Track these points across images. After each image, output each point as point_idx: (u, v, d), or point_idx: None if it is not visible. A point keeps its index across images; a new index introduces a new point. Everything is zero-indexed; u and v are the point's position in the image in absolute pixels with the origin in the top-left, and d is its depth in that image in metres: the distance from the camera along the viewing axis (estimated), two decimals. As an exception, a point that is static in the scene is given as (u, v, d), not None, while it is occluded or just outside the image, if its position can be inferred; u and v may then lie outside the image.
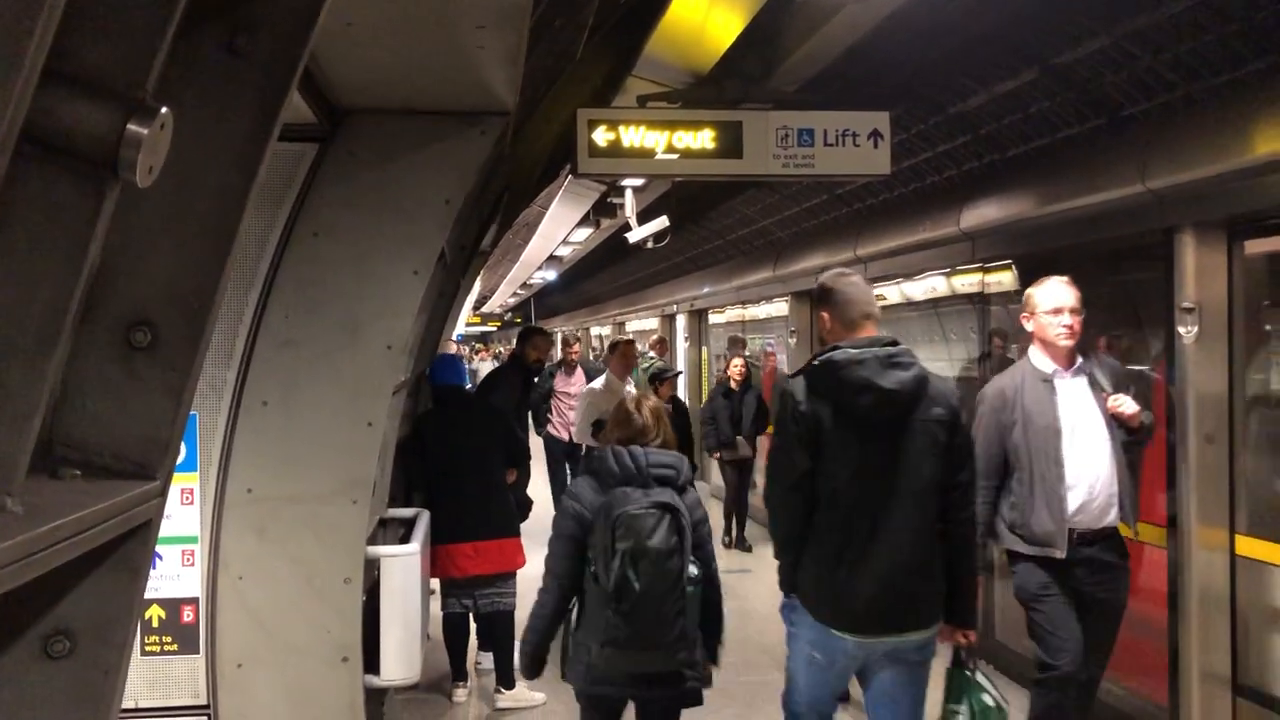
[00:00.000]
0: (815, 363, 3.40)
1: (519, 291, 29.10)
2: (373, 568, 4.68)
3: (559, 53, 5.05)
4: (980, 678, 3.67)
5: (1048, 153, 5.77)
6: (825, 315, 3.51)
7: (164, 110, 0.88)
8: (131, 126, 0.84)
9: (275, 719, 4.09)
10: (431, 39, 3.18)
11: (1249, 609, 4.60)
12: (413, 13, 2.93)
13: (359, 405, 4.05)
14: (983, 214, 6.17)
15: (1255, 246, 4.62)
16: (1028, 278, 6.43)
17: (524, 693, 5.95)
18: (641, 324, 19.24)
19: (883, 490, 3.27)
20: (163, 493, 1.20)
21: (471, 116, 3.98)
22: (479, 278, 14.82)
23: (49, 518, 0.95)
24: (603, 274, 20.20)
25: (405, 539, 5.14)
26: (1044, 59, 5.28)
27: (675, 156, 5.59)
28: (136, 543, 1.16)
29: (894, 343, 3.37)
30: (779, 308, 11.02)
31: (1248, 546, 4.57)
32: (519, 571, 5.97)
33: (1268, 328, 4.70)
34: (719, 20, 5.57)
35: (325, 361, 3.97)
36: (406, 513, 5.72)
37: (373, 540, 4.93)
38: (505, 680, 5.91)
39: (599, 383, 8.07)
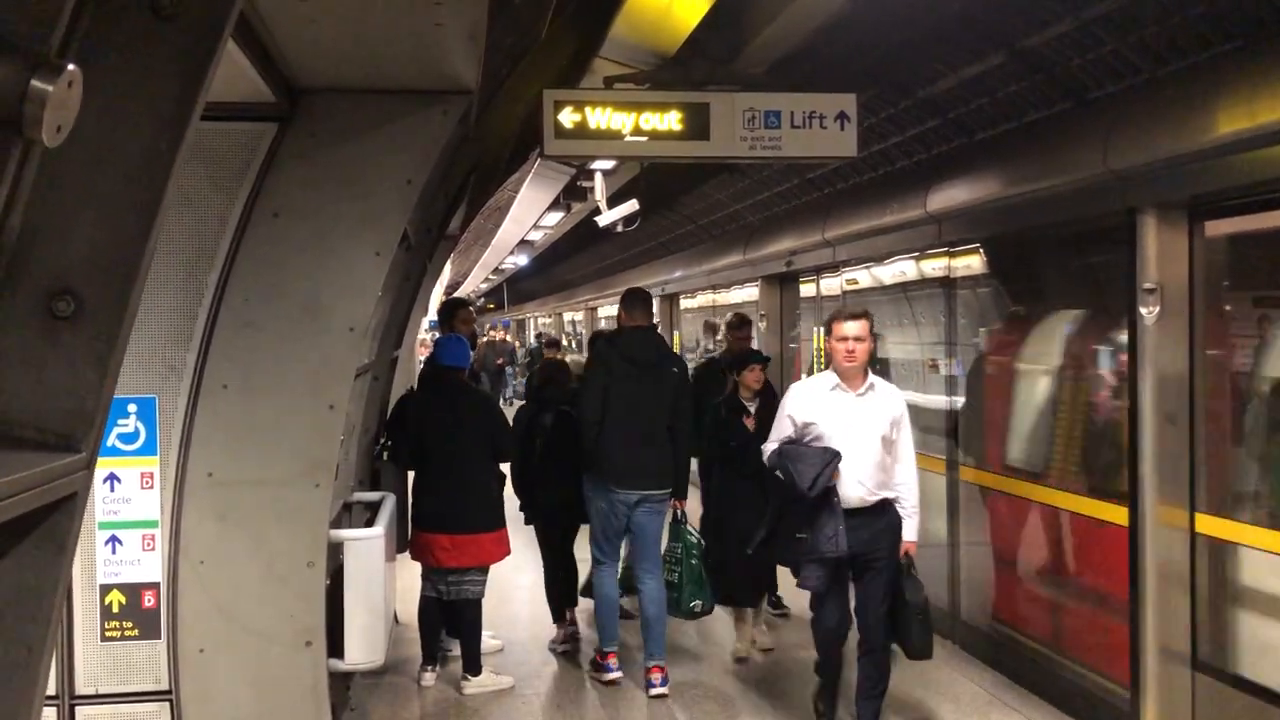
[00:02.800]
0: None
1: (491, 277, 28.98)
2: (336, 552, 4.66)
3: (523, 31, 5.00)
4: (687, 527, 6.12)
5: (1015, 135, 5.79)
6: None
7: (71, 67, 0.86)
8: (35, 83, 0.82)
9: (238, 704, 4.06)
10: (388, 16, 3.13)
11: (1208, 587, 4.66)
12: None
13: (321, 388, 4.01)
14: (950, 196, 6.19)
15: (1216, 227, 4.66)
16: (994, 260, 6.46)
17: (490, 678, 5.94)
18: (613, 309, 19.23)
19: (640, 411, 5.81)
20: (89, 465, 1.17)
21: (432, 95, 3.94)
22: (450, 262, 14.73)
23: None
24: (575, 259, 20.16)
25: (371, 522, 5.11)
26: (1012, 42, 5.29)
27: (643, 139, 5.56)
28: (61, 515, 1.13)
29: None
30: (750, 292, 11.03)
31: (1208, 525, 4.62)
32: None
33: (1229, 308, 4.74)
34: (685, 1, 5.54)
35: (286, 344, 3.93)
36: (372, 496, 5.69)
37: (337, 524, 4.90)
38: (471, 666, 5.90)
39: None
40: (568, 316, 25.29)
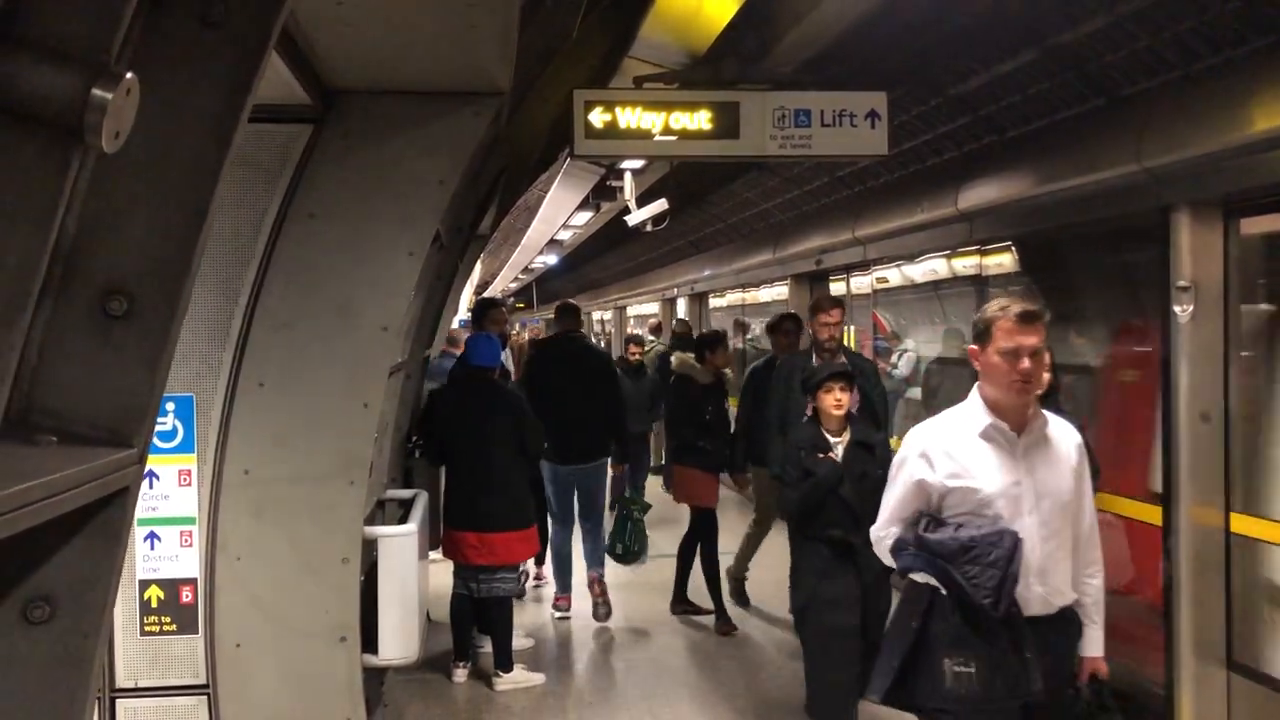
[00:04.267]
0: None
1: (520, 276, 29.08)
2: (370, 548, 4.71)
3: (554, 32, 5.04)
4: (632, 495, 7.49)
5: (1046, 133, 5.76)
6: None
7: (129, 75, 0.89)
8: (96, 91, 0.85)
9: (274, 698, 4.11)
10: (421, 18, 3.17)
11: (1244, 586, 4.62)
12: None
13: (355, 386, 4.06)
14: (980, 195, 6.16)
15: (1251, 225, 4.62)
16: (1026, 258, 6.43)
17: (522, 674, 5.99)
18: (642, 308, 19.24)
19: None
20: (140, 460, 1.21)
21: (465, 96, 3.98)
22: (479, 262, 14.81)
23: (19, 481, 0.96)
24: (604, 258, 20.20)
25: (404, 520, 5.16)
26: (1043, 39, 5.26)
27: (673, 138, 5.58)
28: (114, 509, 1.17)
29: None
30: (779, 291, 11.02)
31: (1243, 524, 4.58)
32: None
33: (1263, 306, 4.69)
34: (715, 0, 5.56)
35: (321, 343, 3.98)
36: (405, 493, 5.74)
37: (370, 521, 4.95)
38: (503, 663, 5.95)
39: None
40: (596, 315, 25.34)
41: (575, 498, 7.18)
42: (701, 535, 6.95)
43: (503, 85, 3.97)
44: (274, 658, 4.10)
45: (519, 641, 6.35)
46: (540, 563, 7.93)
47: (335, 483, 4.08)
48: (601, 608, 7.07)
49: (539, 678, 6.01)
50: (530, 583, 7.99)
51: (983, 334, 3.18)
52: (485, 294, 23.17)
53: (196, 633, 4.01)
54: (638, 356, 10.10)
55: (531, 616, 7.40)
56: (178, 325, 1.21)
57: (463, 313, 14.06)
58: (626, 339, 11.05)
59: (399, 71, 3.68)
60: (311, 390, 3.99)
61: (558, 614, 7.31)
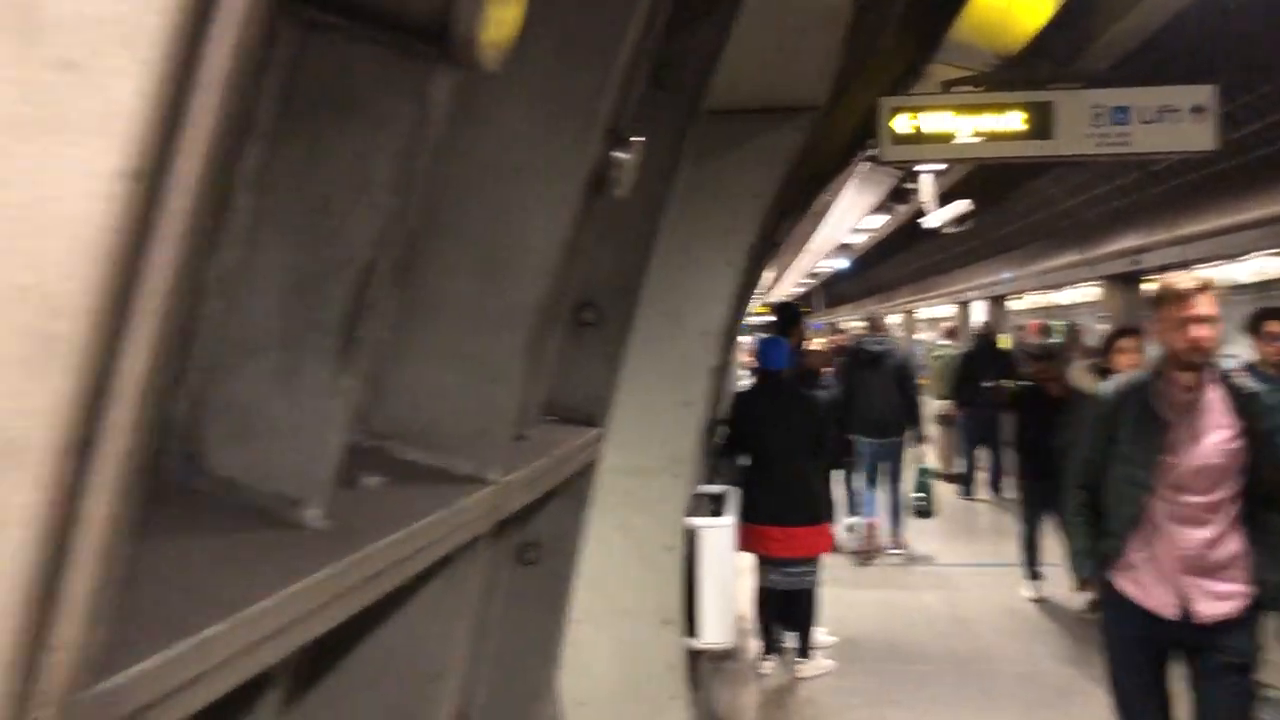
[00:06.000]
0: None
1: (804, 281, 29.12)
2: (688, 538, 5.02)
3: (865, 45, 5.17)
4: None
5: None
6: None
7: (638, 139, 1.16)
8: (616, 154, 1.12)
9: (607, 673, 4.48)
10: (753, 45, 3.41)
11: None
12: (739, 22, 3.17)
13: (679, 386, 4.38)
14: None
15: None
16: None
17: (821, 662, 6.18)
18: (932, 311, 18.83)
19: None
20: (602, 438, 1.49)
21: (784, 113, 4.19)
22: (767, 268, 15.05)
23: (541, 452, 1.25)
24: (892, 260, 19.93)
25: (715, 513, 5.45)
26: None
27: (980, 140, 5.57)
28: (585, 477, 1.46)
29: None
30: (1084, 293, 10.55)
31: None
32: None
33: None
34: (1027, 3, 5.50)
35: (651, 345, 4.30)
36: (714, 489, 6.05)
37: (688, 513, 5.27)
38: (806, 654, 6.16)
39: None
40: (884, 319, 24.95)
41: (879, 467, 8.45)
42: None
43: (820, 100, 4.16)
44: (605, 635, 4.47)
45: (823, 637, 6.51)
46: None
47: (662, 476, 4.40)
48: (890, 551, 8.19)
49: (830, 664, 6.18)
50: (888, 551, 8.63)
51: None
52: (774, 300, 23.37)
53: (540, 605, 4.43)
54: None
55: (838, 610, 7.52)
56: (629, 330, 1.49)
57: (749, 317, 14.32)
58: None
59: (733, 93, 3.94)
60: (642, 389, 4.32)
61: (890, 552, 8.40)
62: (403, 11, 0.65)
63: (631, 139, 1.16)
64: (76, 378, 0.40)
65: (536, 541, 1.48)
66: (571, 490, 1.46)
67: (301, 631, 0.70)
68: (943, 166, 8.63)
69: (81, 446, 0.41)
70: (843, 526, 8.57)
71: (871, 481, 8.71)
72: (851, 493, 8.87)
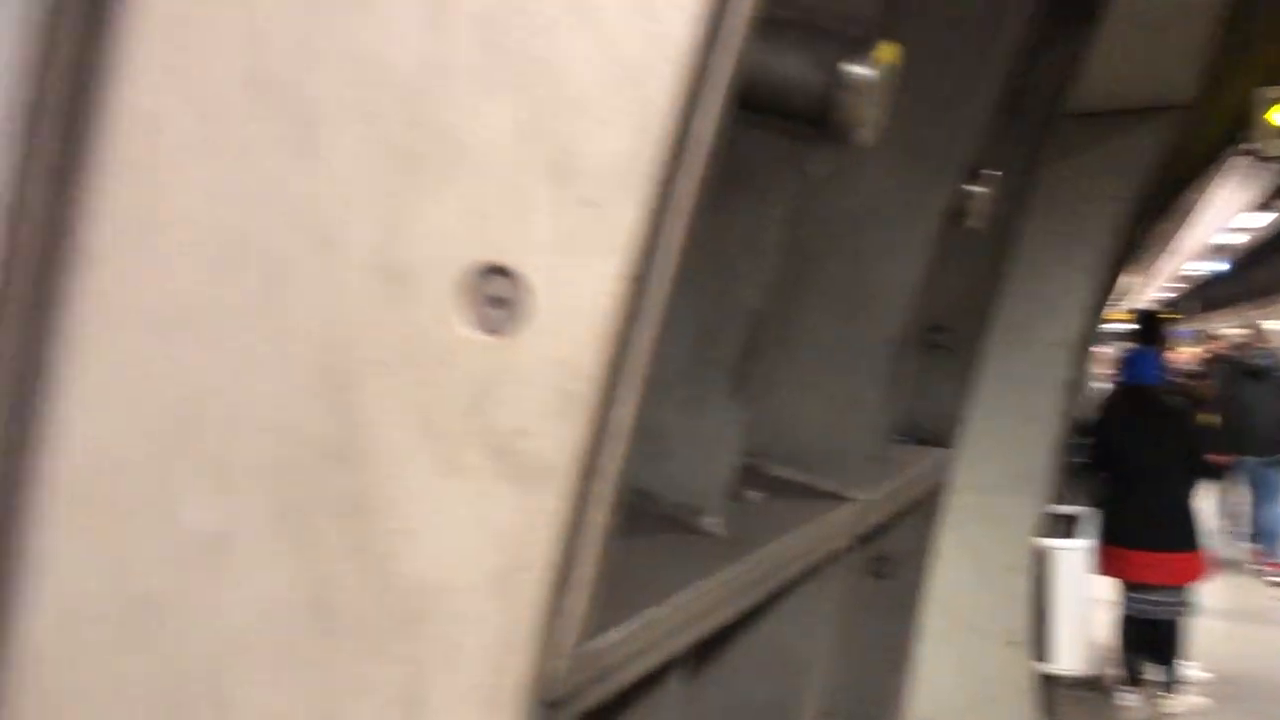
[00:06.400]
0: None
1: (1172, 285, 26.82)
2: (1039, 559, 4.84)
3: (1237, 35, 4.77)
4: None
5: None
6: None
7: (995, 173, 1.22)
8: (970, 188, 1.19)
9: (950, 690, 4.42)
10: (1109, 45, 3.27)
11: None
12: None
13: (1028, 401, 4.25)
14: None
15: None
16: None
17: (1190, 699, 5.73)
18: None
19: None
20: (953, 459, 1.56)
21: (1144, 112, 3.97)
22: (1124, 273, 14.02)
23: (896, 472, 1.34)
24: (1276, 261, 17.89)
25: (1068, 534, 5.22)
26: None
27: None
28: (937, 495, 1.53)
29: None
30: None
31: None
32: None
33: None
34: None
35: (998, 358, 4.20)
36: (1068, 509, 5.77)
37: (1037, 534, 5.08)
38: (1171, 689, 5.74)
39: None
40: (1266, 326, 22.46)
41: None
42: None
43: (1185, 97, 3.91)
44: (950, 652, 4.40)
45: (1194, 672, 6.03)
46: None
47: (1007, 494, 4.29)
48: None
49: (1202, 701, 5.71)
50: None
51: None
52: (1137, 306, 21.76)
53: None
54: None
55: (1211, 641, 6.92)
56: (979, 352, 1.54)
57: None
58: None
59: (1089, 97, 3.79)
60: (985, 404, 4.23)
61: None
62: (787, 102, 0.77)
63: (985, 172, 1.22)
64: (589, 423, 0.56)
65: (889, 556, 1.56)
66: (922, 508, 1.54)
67: (709, 620, 0.85)
68: (1334, 156, 7.73)
69: (590, 471, 0.57)
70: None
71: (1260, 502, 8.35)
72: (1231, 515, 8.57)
